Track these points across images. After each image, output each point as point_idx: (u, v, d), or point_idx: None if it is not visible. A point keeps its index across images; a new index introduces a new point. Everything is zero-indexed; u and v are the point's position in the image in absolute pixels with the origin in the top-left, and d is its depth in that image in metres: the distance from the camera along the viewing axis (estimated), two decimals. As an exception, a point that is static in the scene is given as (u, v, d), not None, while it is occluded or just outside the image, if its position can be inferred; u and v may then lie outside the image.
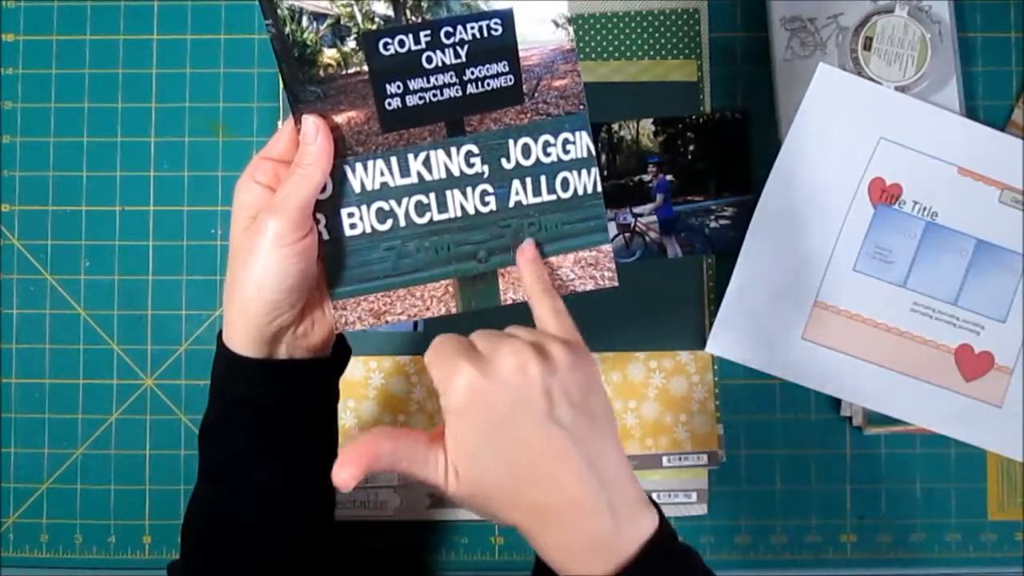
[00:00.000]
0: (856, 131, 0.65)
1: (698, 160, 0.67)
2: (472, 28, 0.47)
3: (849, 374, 0.65)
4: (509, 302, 0.51)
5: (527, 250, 0.50)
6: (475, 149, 0.49)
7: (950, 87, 0.66)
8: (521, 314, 0.49)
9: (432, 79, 0.48)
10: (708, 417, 0.66)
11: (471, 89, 0.48)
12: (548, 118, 0.49)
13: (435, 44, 0.47)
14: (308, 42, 0.47)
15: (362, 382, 0.66)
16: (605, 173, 0.67)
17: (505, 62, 0.48)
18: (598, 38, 0.67)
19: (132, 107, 0.68)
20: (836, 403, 0.67)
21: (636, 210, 0.67)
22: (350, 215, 0.49)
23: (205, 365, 0.67)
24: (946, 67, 0.66)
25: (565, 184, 0.50)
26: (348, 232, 0.50)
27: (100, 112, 0.68)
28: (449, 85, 0.48)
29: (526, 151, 0.49)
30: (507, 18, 0.47)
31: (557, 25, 0.48)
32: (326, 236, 0.49)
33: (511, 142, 0.49)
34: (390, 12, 0.46)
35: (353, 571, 0.67)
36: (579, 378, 0.43)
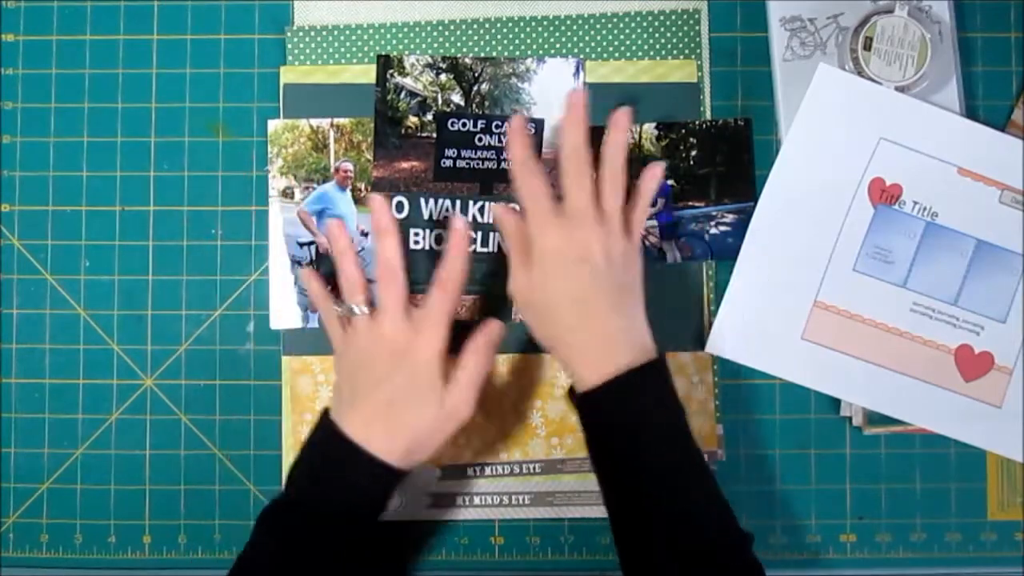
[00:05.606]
0: (856, 131, 0.65)
1: (700, 166, 0.67)
2: None
3: (849, 374, 0.65)
4: (517, 320, 0.65)
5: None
6: (516, 208, 0.62)
7: (950, 87, 0.66)
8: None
9: (478, 153, 0.65)
10: (708, 417, 0.66)
11: (504, 165, 0.65)
12: None
13: (487, 130, 0.65)
14: (400, 108, 0.65)
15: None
16: (605, 173, 0.67)
17: None
18: (598, 38, 0.67)
19: (132, 107, 0.68)
20: (836, 403, 0.67)
21: (636, 210, 0.67)
22: (415, 234, 0.65)
23: (205, 365, 0.68)
24: (946, 67, 0.66)
25: None
26: (411, 246, 0.65)
27: (100, 112, 0.68)
28: (489, 159, 0.65)
29: None
30: (539, 125, 0.66)
31: None
32: None
33: None
34: (462, 102, 0.65)
35: (353, 570, 0.67)
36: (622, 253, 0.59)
